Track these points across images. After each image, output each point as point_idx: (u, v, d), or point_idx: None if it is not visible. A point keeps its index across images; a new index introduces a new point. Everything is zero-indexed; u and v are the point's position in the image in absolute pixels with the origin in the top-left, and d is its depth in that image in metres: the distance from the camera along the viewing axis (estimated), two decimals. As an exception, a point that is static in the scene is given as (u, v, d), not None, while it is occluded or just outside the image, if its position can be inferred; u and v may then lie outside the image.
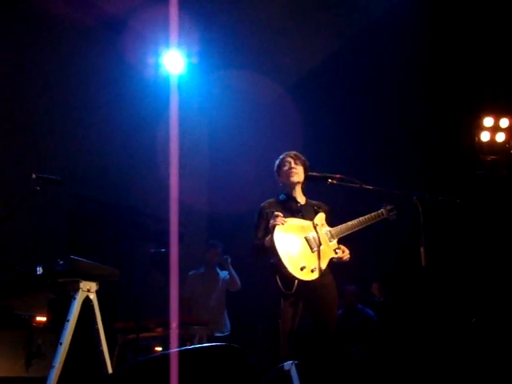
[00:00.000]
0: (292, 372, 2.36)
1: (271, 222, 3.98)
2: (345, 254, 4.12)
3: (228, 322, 6.60)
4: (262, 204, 4.29)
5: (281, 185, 4.41)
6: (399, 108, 6.39)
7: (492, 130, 6.58)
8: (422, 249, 3.54)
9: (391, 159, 6.27)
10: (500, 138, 6.62)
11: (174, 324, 4.90)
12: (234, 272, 6.61)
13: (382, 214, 4.16)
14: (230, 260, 6.63)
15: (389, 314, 6.49)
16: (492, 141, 6.56)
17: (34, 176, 3.86)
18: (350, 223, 4.17)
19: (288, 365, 2.41)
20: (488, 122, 6.59)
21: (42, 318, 5.15)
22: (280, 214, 4.00)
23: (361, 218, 4.16)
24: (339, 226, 4.18)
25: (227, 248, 6.95)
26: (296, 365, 2.40)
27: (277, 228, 3.95)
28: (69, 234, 6.75)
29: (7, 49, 6.35)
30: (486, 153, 6.45)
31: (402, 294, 6.44)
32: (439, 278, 4.11)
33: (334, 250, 4.10)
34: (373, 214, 4.17)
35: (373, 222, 4.17)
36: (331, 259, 4.08)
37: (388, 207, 4.14)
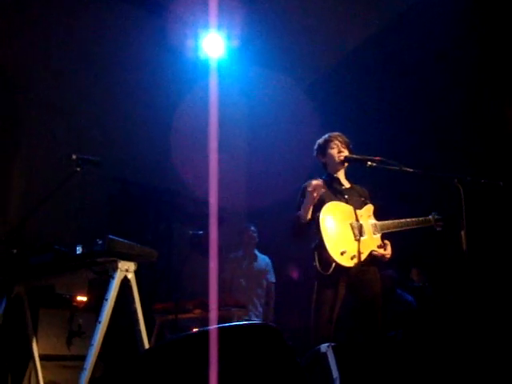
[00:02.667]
0: (329, 354, 2.34)
1: (308, 188, 3.94)
2: (387, 251, 4.10)
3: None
4: (306, 183, 4.21)
5: (322, 164, 4.38)
6: (439, 89, 6.24)
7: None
8: (463, 233, 3.45)
9: (432, 141, 6.14)
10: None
11: (213, 306, 4.94)
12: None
13: (429, 221, 4.21)
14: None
15: (428, 300, 6.40)
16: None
17: (74, 157, 3.91)
18: (396, 221, 4.16)
19: (324, 347, 2.39)
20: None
21: (82, 298, 5.28)
22: (319, 182, 3.96)
23: (408, 220, 4.18)
24: (386, 222, 4.16)
25: (267, 231, 6.95)
26: (333, 347, 2.38)
27: (323, 209, 3.94)
28: (110, 215, 6.85)
29: (47, 34, 6.42)
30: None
31: (442, 279, 6.33)
32: (481, 264, 4.02)
33: (378, 245, 4.07)
34: (421, 218, 4.21)
35: (419, 226, 4.20)
36: (371, 252, 4.04)
37: (436, 217, 4.21)
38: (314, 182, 3.94)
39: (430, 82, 6.26)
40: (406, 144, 6.05)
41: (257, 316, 6.45)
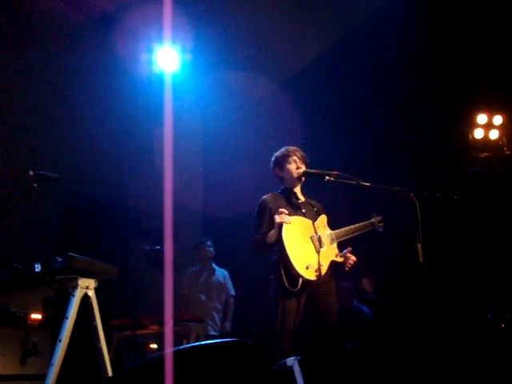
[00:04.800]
0: (295, 368, 2.37)
1: (277, 218, 3.96)
2: (352, 257, 4.19)
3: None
4: (264, 197, 4.27)
5: (278, 178, 4.40)
6: (394, 105, 6.41)
7: (486, 127, 6.63)
8: (419, 245, 3.54)
9: (386, 156, 6.30)
10: (494, 135, 6.66)
11: (169, 321, 4.90)
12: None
13: (373, 223, 4.36)
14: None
15: (383, 311, 6.51)
16: (485, 138, 6.60)
17: (31, 173, 3.84)
18: (348, 228, 4.27)
19: (290, 361, 2.42)
20: (482, 119, 6.63)
21: (37, 316, 5.15)
22: (286, 211, 3.99)
23: (357, 225, 4.30)
24: (340, 230, 4.24)
25: (223, 245, 6.96)
26: (299, 361, 2.41)
27: (285, 226, 3.95)
28: (63, 230, 6.75)
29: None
30: (479, 150, 6.49)
31: (397, 290, 6.46)
32: (435, 275, 4.12)
33: (335, 254, 4.16)
34: (366, 222, 4.36)
35: (366, 229, 4.34)
36: (331, 262, 4.12)
37: (378, 218, 4.38)
38: (284, 216, 3.97)
39: (393, 97, 6.43)
40: (365, 158, 6.18)
41: (215, 330, 6.44)
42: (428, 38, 6.35)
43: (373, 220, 4.36)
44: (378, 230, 4.36)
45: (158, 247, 5.70)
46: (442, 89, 6.30)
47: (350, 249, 4.20)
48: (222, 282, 6.63)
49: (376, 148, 6.35)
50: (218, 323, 6.48)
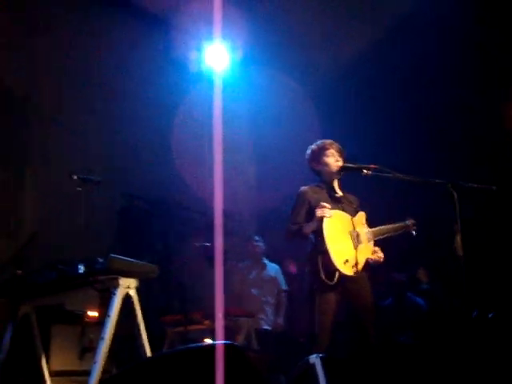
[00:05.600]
0: (317, 365, 2.38)
1: (319, 212, 3.97)
2: (381, 255, 4.20)
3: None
4: (303, 188, 4.28)
5: (315, 172, 4.42)
6: (435, 93, 6.27)
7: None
8: (458, 237, 3.48)
9: (428, 147, 6.17)
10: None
11: (219, 316, 4.99)
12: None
13: (407, 226, 4.37)
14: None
15: (438, 303, 6.39)
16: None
17: (74, 177, 3.99)
18: (384, 227, 4.29)
19: (313, 358, 2.43)
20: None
21: (93, 313, 5.35)
22: (328, 205, 4.00)
23: (392, 226, 4.33)
24: (376, 228, 4.26)
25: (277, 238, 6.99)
26: (321, 358, 2.42)
27: (325, 219, 3.97)
28: (118, 230, 6.94)
29: (50, 47, 6.49)
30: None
31: (452, 281, 6.32)
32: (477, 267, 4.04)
33: (371, 251, 4.18)
34: (402, 223, 4.37)
35: (400, 231, 4.35)
36: (367, 259, 4.13)
37: (412, 221, 4.38)
38: (326, 210, 3.98)
39: (427, 89, 6.29)
40: (399, 151, 6.09)
41: (268, 324, 6.50)
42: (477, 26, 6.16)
43: (407, 222, 4.36)
44: (411, 232, 4.36)
45: (208, 244, 5.81)
46: (491, 73, 6.09)
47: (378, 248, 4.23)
48: (274, 276, 6.68)
49: (417, 138, 6.23)
50: (271, 317, 6.54)
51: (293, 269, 7.05)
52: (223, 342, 1.55)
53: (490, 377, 3.86)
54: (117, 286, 3.53)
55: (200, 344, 1.54)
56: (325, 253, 3.90)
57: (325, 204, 4.00)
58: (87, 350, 5.22)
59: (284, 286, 6.72)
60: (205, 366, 1.44)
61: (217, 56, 7.67)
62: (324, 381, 2.34)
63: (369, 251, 4.14)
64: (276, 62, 7.87)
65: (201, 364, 1.45)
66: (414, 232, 4.35)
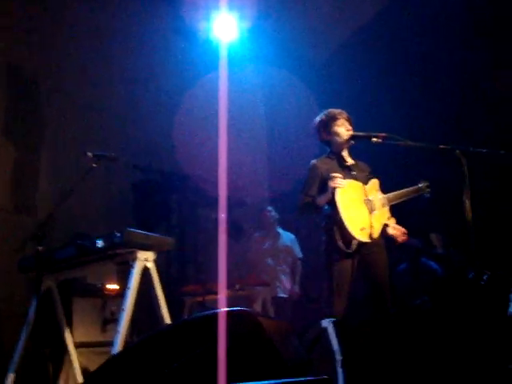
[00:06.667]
0: (329, 329, 2.47)
1: (331, 183, 4.01)
2: (401, 233, 4.25)
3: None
4: (314, 162, 4.32)
5: (324, 142, 4.44)
6: (443, 58, 6.24)
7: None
8: (467, 202, 3.53)
9: (438, 113, 6.17)
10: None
11: (231, 286, 5.10)
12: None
13: (420, 188, 4.34)
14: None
15: (453, 267, 6.44)
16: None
17: (89, 154, 4.06)
18: (398, 192, 4.31)
19: (325, 322, 2.52)
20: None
21: (114, 286, 5.49)
22: (339, 175, 4.04)
23: (405, 190, 4.33)
24: (391, 194, 4.29)
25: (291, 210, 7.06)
26: (334, 322, 2.51)
27: (337, 189, 4.03)
28: (134, 203, 7.03)
29: (61, 25, 6.51)
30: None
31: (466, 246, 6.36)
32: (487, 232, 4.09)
33: (387, 217, 4.23)
34: (415, 187, 4.35)
35: (413, 195, 4.35)
36: (384, 225, 4.19)
37: (425, 183, 4.36)
38: (338, 180, 4.02)
39: (432, 58, 6.26)
40: (406, 119, 6.09)
41: (284, 292, 6.61)
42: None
43: (420, 185, 4.35)
44: (425, 195, 4.36)
45: (223, 215, 5.90)
46: (500, 42, 6.04)
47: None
48: (289, 245, 6.77)
49: (423, 105, 6.23)
50: (286, 285, 6.64)
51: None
52: (237, 308, 1.64)
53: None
54: (135, 259, 3.64)
55: (215, 311, 1.62)
56: (340, 222, 3.97)
57: (336, 174, 4.04)
58: (109, 321, 5.36)
59: (300, 254, 6.80)
60: (217, 333, 1.52)
61: (225, 26, 7.63)
62: (336, 344, 2.43)
63: (384, 217, 4.20)
64: (285, 32, 7.84)
65: (213, 331, 1.53)
66: (428, 195, 4.35)
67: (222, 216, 5.91)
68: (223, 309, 1.66)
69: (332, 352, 2.39)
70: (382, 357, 2.72)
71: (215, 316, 1.53)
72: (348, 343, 2.45)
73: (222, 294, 4.84)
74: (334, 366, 2.39)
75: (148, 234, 3.74)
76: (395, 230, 4.22)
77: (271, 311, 6.03)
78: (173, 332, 1.64)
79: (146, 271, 3.76)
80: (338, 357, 2.39)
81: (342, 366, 2.41)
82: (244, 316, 1.54)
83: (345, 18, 7.32)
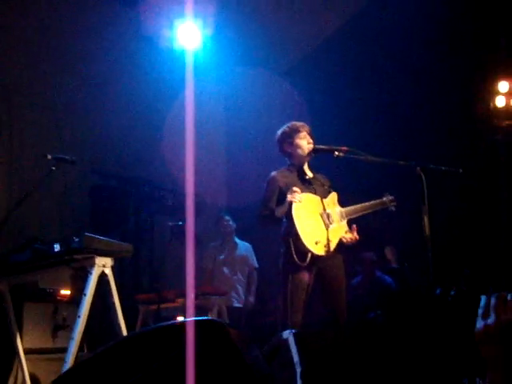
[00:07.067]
0: (290, 341, 2.47)
1: (289, 196, 4.04)
2: (355, 235, 4.24)
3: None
4: (273, 174, 4.34)
5: (286, 154, 4.44)
6: (407, 74, 6.37)
7: (508, 94, 6.53)
8: (425, 218, 3.60)
9: (400, 129, 6.29)
10: (516, 102, 6.55)
11: (190, 295, 5.05)
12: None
13: (384, 202, 4.33)
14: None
15: (407, 281, 6.55)
16: (507, 106, 6.51)
17: (49, 157, 4.00)
18: (359, 206, 4.33)
19: (286, 334, 2.52)
20: (503, 86, 6.54)
21: (66, 292, 5.39)
22: (298, 190, 4.06)
23: (367, 204, 4.33)
24: (350, 207, 4.32)
25: (248, 219, 7.06)
26: (294, 334, 2.51)
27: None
28: (91, 208, 6.94)
29: (24, 26, 6.41)
30: (500, 118, 6.41)
31: (419, 260, 6.48)
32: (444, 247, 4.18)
33: (345, 231, 4.24)
34: (378, 201, 4.34)
35: (376, 208, 4.35)
36: (340, 239, 4.21)
37: (390, 197, 4.33)
38: (296, 194, 4.03)
39: (397, 74, 6.39)
40: (369, 134, 6.19)
41: (239, 302, 6.60)
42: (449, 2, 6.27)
43: (384, 199, 4.34)
44: (389, 209, 4.34)
45: (181, 223, 5.86)
46: (462, 56, 6.22)
47: (354, 227, 4.25)
48: (245, 254, 6.76)
49: (391, 120, 6.34)
50: (242, 296, 6.63)
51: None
52: (204, 317, 1.62)
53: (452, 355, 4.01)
54: (93, 264, 3.57)
55: (181, 320, 1.60)
56: (295, 235, 4.00)
57: (295, 189, 4.06)
58: (60, 327, 5.26)
59: (255, 264, 6.80)
60: (185, 343, 1.51)
61: (188, 34, 7.61)
62: (297, 355, 2.44)
63: (342, 230, 4.22)
64: (248, 40, 7.87)
65: (180, 340, 1.51)
66: (393, 208, 4.32)
67: (180, 224, 5.88)
68: (190, 318, 1.64)
69: (292, 364, 2.39)
70: (339, 369, 2.74)
71: (183, 325, 1.50)
72: (308, 355, 2.46)
73: (190, 302, 4.78)
74: (293, 378, 2.39)
75: (107, 240, 3.68)
76: (347, 236, 4.22)
77: (226, 321, 6.00)
78: (134, 342, 1.61)
79: (101, 278, 3.69)
80: (298, 368, 2.39)
81: (302, 378, 2.41)
82: (212, 325, 1.53)
83: (308, 28, 7.39)
